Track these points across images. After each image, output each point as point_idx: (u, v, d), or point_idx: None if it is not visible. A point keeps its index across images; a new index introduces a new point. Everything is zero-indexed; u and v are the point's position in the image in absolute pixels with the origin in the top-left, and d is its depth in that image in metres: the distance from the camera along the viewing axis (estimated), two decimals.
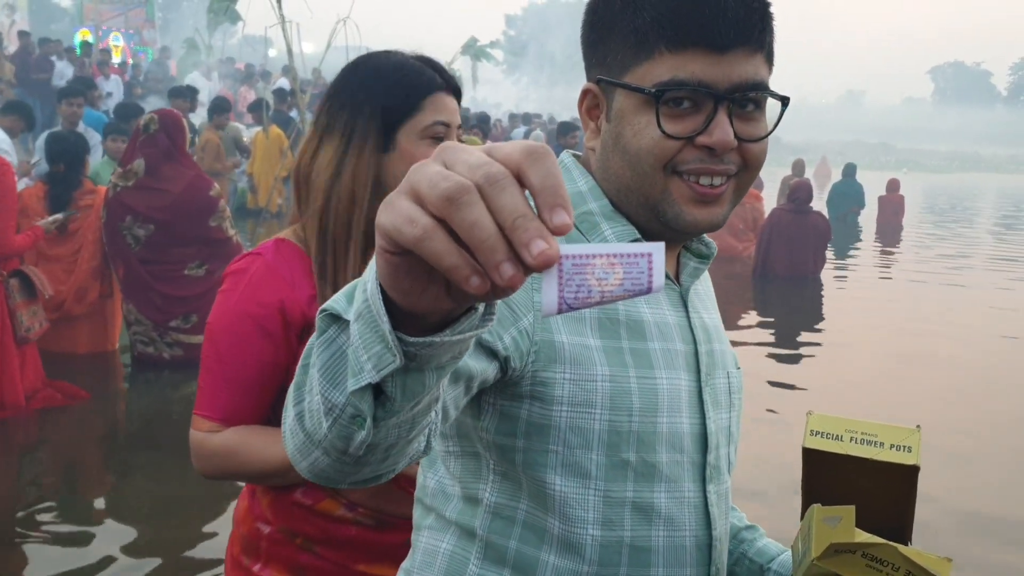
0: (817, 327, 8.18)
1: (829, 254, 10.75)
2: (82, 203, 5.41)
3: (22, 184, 5.71)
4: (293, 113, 12.09)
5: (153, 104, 11.55)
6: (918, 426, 1.03)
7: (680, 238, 1.07)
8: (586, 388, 0.97)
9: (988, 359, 7.04)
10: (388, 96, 1.45)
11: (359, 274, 1.22)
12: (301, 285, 1.46)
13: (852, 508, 0.99)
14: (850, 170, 15.36)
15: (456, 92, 1.52)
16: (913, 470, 1.00)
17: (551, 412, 0.97)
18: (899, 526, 1.04)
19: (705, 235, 1.10)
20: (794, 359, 6.92)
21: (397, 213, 0.53)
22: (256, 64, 20.91)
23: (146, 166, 5.22)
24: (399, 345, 0.60)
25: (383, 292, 0.59)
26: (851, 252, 13.23)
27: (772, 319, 8.37)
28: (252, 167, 11.53)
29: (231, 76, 20.26)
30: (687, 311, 1.10)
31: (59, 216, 5.18)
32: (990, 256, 13.81)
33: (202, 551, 3.41)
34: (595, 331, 1.00)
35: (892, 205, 16.18)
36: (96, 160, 6.76)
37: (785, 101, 1.04)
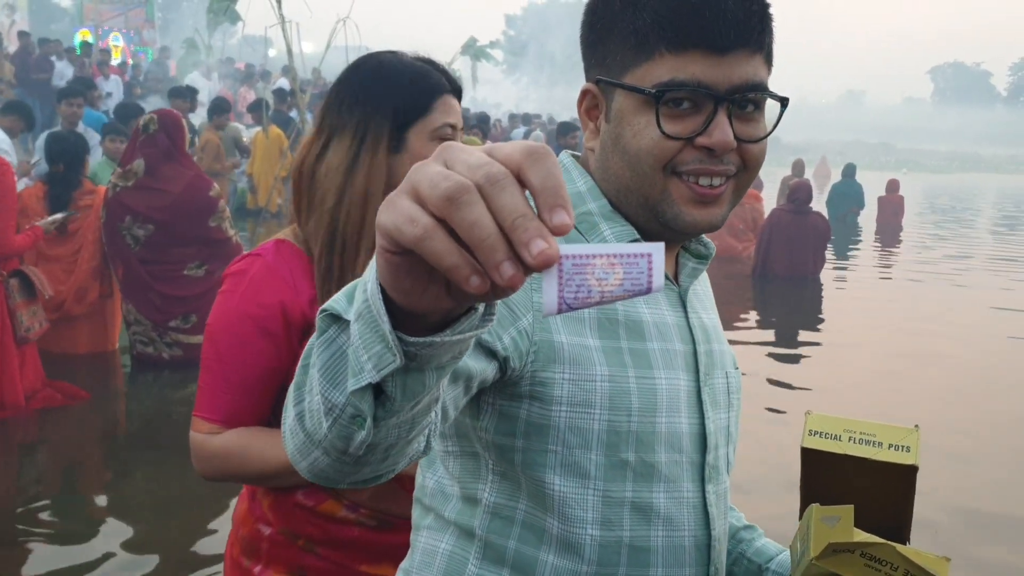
0: (817, 327, 8.19)
1: (829, 254, 10.75)
2: (82, 203, 5.41)
3: (22, 184, 5.71)
4: (293, 113, 12.10)
5: (153, 104, 11.56)
6: (916, 426, 1.04)
7: (679, 238, 1.07)
8: (585, 388, 0.98)
9: (988, 359, 7.04)
10: (400, 97, 1.46)
11: None
12: (302, 286, 1.45)
13: (851, 508, 1.00)
14: (850, 170, 15.37)
15: (459, 94, 1.53)
16: (912, 470, 1.01)
17: (550, 412, 0.97)
18: (898, 526, 1.04)
19: (704, 235, 1.10)
20: (794, 359, 6.92)
21: (398, 213, 0.54)
22: (256, 64, 20.90)
23: (146, 166, 5.22)
24: (399, 345, 0.60)
25: (383, 292, 0.59)
26: (851, 252, 13.24)
27: (772, 319, 8.38)
28: (252, 167, 11.54)
29: (231, 76, 20.26)
30: (686, 311, 1.10)
31: (59, 216, 5.18)
32: (990, 256, 13.81)
33: (202, 549, 3.42)
34: (594, 331, 1.00)
35: (892, 205, 16.19)
36: (95, 160, 6.76)
37: (784, 102, 1.04)
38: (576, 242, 1.02)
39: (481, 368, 0.91)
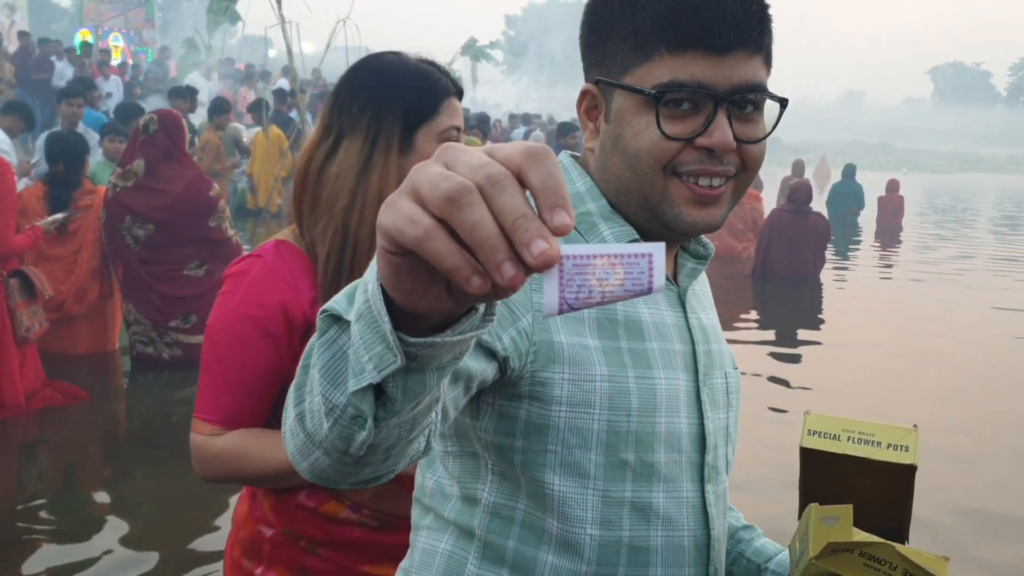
0: (817, 327, 8.19)
1: (829, 254, 10.75)
2: (82, 203, 5.42)
3: (22, 184, 5.72)
4: (293, 113, 12.09)
5: (153, 104, 11.56)
6: (915, 426, 1.04)
7: (678, 239, 1.07)
8: (585, 388, 0.98)
9: (988, 359, 7.04)
10: (409, 98, 1.46)
11: None
12: (302, 287, 1.45)
13: (850, 507, 1.00)
14: (850, 170, 15.37)
15: (461, 96, 1.54)
16: (910, 469, 1.01)
17: (550, 412, 0.97)
18: (897, 525, 1.05)
19: (702, 236, 1.10)
20: (794, 359, 6.92)
21: (398, 213, 0.54)
22: (256, 64, 20.90)
23: (146, 166, 5.22)
24: (400, 345, 0.61)
25: (384, 293, 0.59)
26: (851, 252, 13.24)
27: (772, 319, 8.38)
28: (252, 167, 11.54)
29: (231, 76, 20.27)
30: (685, 312, 1.10)
31: (59, 216, 5.18)
32: (990, 256, 13.81)
33: (201, 547, 3.42)
34: (594, 331, 1.00)
35: (892, 205, 16.19)
36: (94, 161, 6.76)
37: (783, 103, 1.04)
38: (575, 242, 1.02)
39: (481, 368, 0.91)
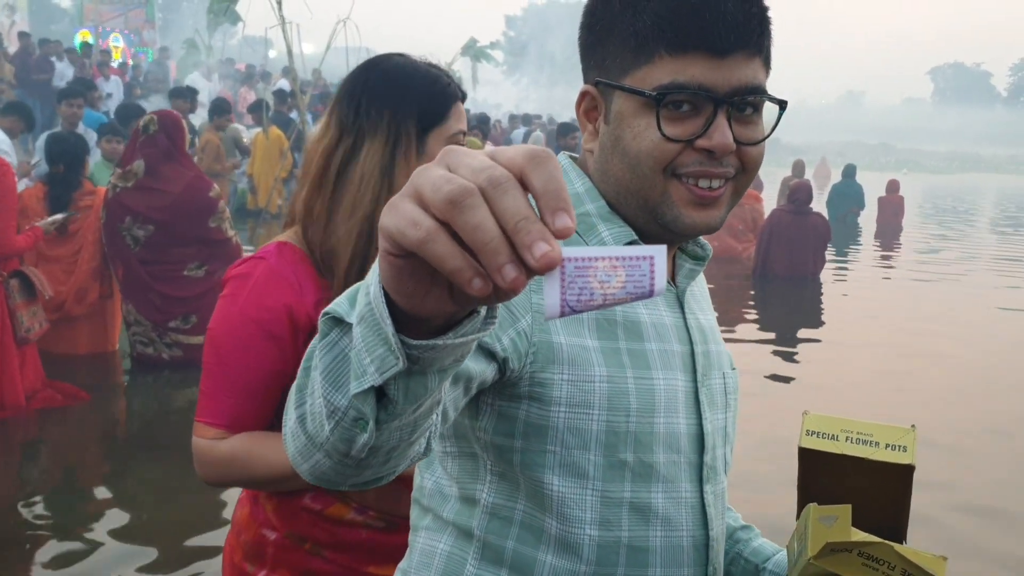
0: (817, 327, 8.19)
1: (829, 254, 10.75)
2: (82, 204, 5.42)
3: (22, 185, 5.72)
4: (293, 114, 12.10)
5: (155, 104, 11.56)
6: (913, 426, 1.04)
7: (677, 240, 1.07)
8: (584, 389, 0.98)
9: (989, 359, 7.04)
10: (422, 102, 1.47)
11: None
12: (307, 289, 1.44)
13: (848, 507, 1.00)
14: (850, 171, 15.37)
15: (464, 100, 1.55)
16: (908, 469, 1.01)
17: (549, 413, 0.98)
18: (895, 525, 1.05)
19: (701, 237, 1.11)
20: (794, 359, 6.92)
21: (400, 216, 0.54)
22: (256, 65, 20.90)
23: (146, 167, 5.22)
24: (402, 348, 0.61)
25: (386, 295, 0.60)
26: (851, 252, 13.24)
27: (772, 319, 8.38)
28: (252, 168, 11.54)
29: (231, 77, 20.26)
30: (683, 312, 1.11)
31: (58, 217, 5.18)
32: (991, 256, 13.81)
33: (200, 543, 3.43)
34: (593, 332, 1.01)
35: (892, 206, 16.19)
36: (93, 161, 6.77)
37: (783, 105, 1.04)
38: (574, 243, 1.02)
39: (481, 369, 0.91)
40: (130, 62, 20.46)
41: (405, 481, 1.43)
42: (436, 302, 0.58)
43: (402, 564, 1.12)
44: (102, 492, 4.00)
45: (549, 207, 0.52)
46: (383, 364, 0.62)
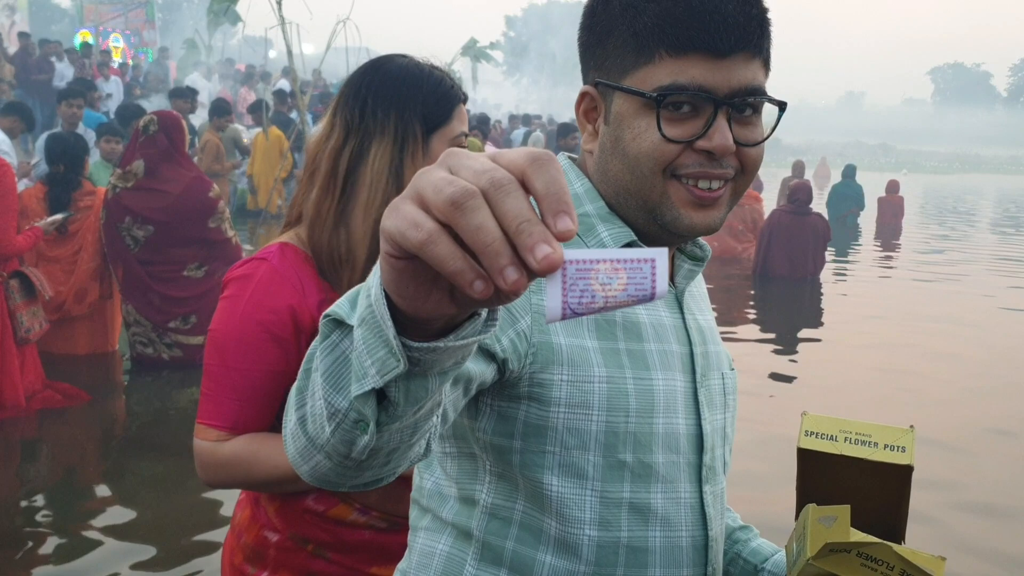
0: (817, 327, 8.19)
1: (829, 255, 10.75)
2: (81, 204, 5.42)
3: (22, 185, 5.72)
4: (293, 114, 12.10)
5: (156, 104, 11.56)
6: (912, 426, 1.04)
7: (676, 241, 1.07)
8: (583, 389, 0.98)
9: (989, 359, 7.04)
10: (428, 103, 1.47)
11: None
12: (309, 290, 1.44)
13: (847, 508, 1.00)
14: (850, 171, 15.37)
15: (466, 102, 1.56)
16: (907, 470, 1.01)
17: (548, 413, 0.98)
18: (893, 525, 1.05)
19: (700, 238, 1.11)
20: (794, 359, 6.92)
21: (402, 217, 0.54)
22: (256, 65, 20.89)
23: (145, 167, 5.22)
24: (403, 350, 0.61)
25: (387, 297, 0.60)
26: (851, 253, 13.24)
27: (772, 319, 8.38)
28: (252, 168, 11.54)
29: (231, 77, 20.26)
30: (682, 313, 1.11)
31: (58, 217, 5.18)
32: (991, 256, 13.81)
33: (199, 541, 3.43)
34: (592, 333, 1.01)
35: (892, 206, 16.19)
36: (92, 162, 6.77)
37: (783, 106, 1.04)
38: (573, 245, 1.02)
39: (480, 370, 0.91)
40: (130, 62, 20.45)
41: (407, 482, 1.43)
42: (437, 304, 0.58)
43: (401, 564, 1.12)
44: (102, 491, 4.01)
45: (551, 209, 0.52)
46: (384, 366, 0.62)
